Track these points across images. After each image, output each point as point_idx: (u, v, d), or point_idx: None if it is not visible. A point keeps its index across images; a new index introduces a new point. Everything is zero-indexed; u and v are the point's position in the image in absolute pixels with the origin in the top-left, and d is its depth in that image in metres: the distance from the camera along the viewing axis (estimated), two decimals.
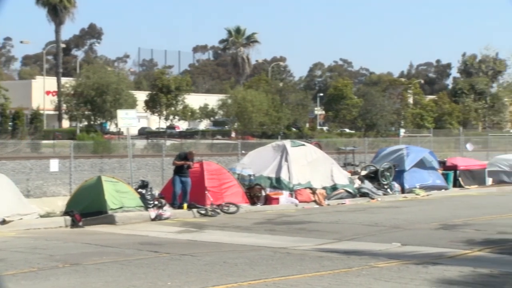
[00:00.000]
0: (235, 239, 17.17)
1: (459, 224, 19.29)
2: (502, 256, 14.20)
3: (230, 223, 20.41)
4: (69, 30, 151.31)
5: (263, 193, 24.91)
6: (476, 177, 33.28)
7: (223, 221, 20.87)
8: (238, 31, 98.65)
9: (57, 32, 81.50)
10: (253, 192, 24.83)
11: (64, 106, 74.76)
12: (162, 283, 11.52)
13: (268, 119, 77.61)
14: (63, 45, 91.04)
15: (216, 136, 78.58)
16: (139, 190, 22.10)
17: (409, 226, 19.26)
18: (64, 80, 78.87)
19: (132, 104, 67.24)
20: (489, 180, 33.76)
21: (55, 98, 77.94)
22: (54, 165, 28.20)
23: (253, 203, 24.51)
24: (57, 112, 78.50)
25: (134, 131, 70.38)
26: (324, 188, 26.26)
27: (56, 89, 79.10)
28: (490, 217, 21.02)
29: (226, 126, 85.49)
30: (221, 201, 23.07)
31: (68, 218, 19.96)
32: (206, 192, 23.04)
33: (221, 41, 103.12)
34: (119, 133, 68.85)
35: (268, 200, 24.84)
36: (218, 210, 22.49)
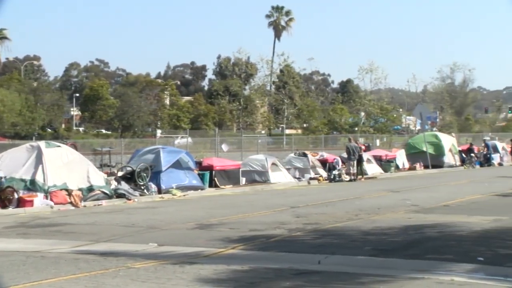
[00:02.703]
0: None
1: (215, 224, 19.70)
2: (253, 252, 14.71)
3: None
4: None
5: (16, 196, 23.97)
6: (231, 177, 34.28)
7: None
8: None
9: None
10: (5, 195, 23.82)
11: None
12: None
13: (21, 119, 74.96)
14: None
15: None
16: None
17: (166, 226, 19.38)
18: None
19: None
20: (243, 180, 34.92)
21: None
22: None
23: (4, 206, 23.52)
24: None
25: None
26: (80, 189, 25.80)
27: None
28: (243, 215, 21.68)
29: None
30: None
31: None
32: None
33: None
34: None
35: (21, 203, 23.91)
36: None
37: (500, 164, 54.26)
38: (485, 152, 54.24)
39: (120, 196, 27.23)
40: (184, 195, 29.41)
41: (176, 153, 31.97)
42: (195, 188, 31.00)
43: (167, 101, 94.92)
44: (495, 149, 56.01)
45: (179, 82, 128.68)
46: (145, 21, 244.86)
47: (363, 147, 41.17)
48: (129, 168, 29.53)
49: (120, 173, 29.69)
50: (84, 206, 25.07)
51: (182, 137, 69.57)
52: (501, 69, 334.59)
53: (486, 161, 53.31)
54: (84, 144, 47.28)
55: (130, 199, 27.08)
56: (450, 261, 13.13)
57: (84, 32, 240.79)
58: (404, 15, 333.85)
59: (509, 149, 57.41)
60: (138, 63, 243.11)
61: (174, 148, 35.54)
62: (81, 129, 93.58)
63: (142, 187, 28.68)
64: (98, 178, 27.16)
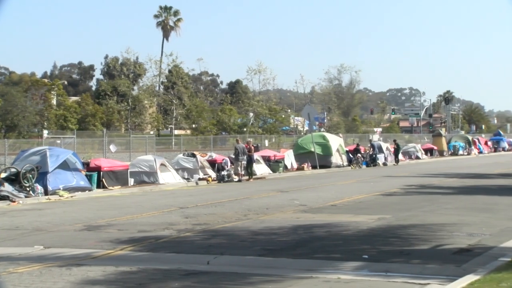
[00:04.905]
0: None
1: (103, 225, 19.45)
2: (141, 254, 14.61)
3: None
4: None
5: None
6: (119, 177, 33.92)
7: None
8: None
9: None
10: None
11: None
12: None
13: None
14: None
15: None
16: None
17: (53, 228, 18.98)
18: None
19: None
20: (131, 181, 34.60)
21: None
22: None
23: None
24: None
25: None
26: None
27: None
28: (132, 216, 21.50)
29: None
30: None
31: None
32: None
33: None
34: None
35: None
36: None
37: (384, 164, 55.81)
38: (371, 153, 55.65)
39: (3, 198, 26.50)
40: (71, 196, 28.92)
41: (63, 154, 31.36)
42: (82, 189, 30.51)
43: (54, 101, 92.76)
44: (380, 149, 57.61)
45: (66, 82, 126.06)
46: (30, 19, 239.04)
47: (252, 148, 41.43)
48: (13, 169, 28.73)
49: (3, 175, 28.81)
50: None
51: None
52: (384, 71, 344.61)
53: (372, 161, 54.70)
54: None
55: (14, 201, 26.38)
56: (337, 260, 13.41)
57: None
58: (293, 16, 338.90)
59: (392, 149, 59.18)
60: (22, 62, 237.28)
61: (62, 149, 34.84)
62: None
63: (28, 189, 28.01)
64: None
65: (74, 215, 22.15)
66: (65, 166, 30.50)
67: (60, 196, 28.59)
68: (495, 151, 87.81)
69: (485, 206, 23.25)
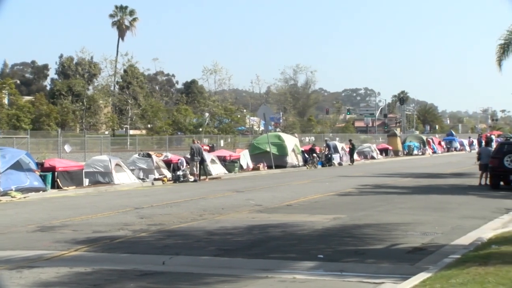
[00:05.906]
0: None
1: (57, 226, 19.24)
2: (96, 254, 14.49)
3: None
4: None
5: None
6: (74, 178, 33.60)
7: None
8: None
9: None
10: None
11: None
12: None
13: None
14: None
15: None
16: None
17: (4, 230, 18.69)
18: None
19: None
20: (86, 181, 34.30)
21: None
22: None
23: None
24: None
25: None
26: None
27: None
28: (86, 217, 21.31)
29: None
30: None
31: None
32: None
33: None
34: None
35: None
36: None
37: (340, 164, 56.05)
38: (326, 153, 55.84)
39: None
40: (24, 197, 28.53)
41: (16, 154, 30.92)
42: (36, 189, 30.12)
43: (6, 101, 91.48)
44: (336, 149, 57.84)
45: (18, 81, 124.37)
46: None
47: (207, 148, 41.34)
48: None
49: None
50: None
51: None
52: (340, 71, 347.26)
53: (327, 161, 54.87)
54: None
55: None
56: (292, 260, 13.45)
57: None
58: (248, 15, 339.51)
59: (347, 149, 59.48)
60: None
61: (14, 149, 34.35)
62: None
63: None
64: None
65: (26, 216, 21.86)
66: (18, 166, 30.06)
67: (12, 197, 28.18)
68: (448, 151, 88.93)
69: (438, 205, 23.56)
